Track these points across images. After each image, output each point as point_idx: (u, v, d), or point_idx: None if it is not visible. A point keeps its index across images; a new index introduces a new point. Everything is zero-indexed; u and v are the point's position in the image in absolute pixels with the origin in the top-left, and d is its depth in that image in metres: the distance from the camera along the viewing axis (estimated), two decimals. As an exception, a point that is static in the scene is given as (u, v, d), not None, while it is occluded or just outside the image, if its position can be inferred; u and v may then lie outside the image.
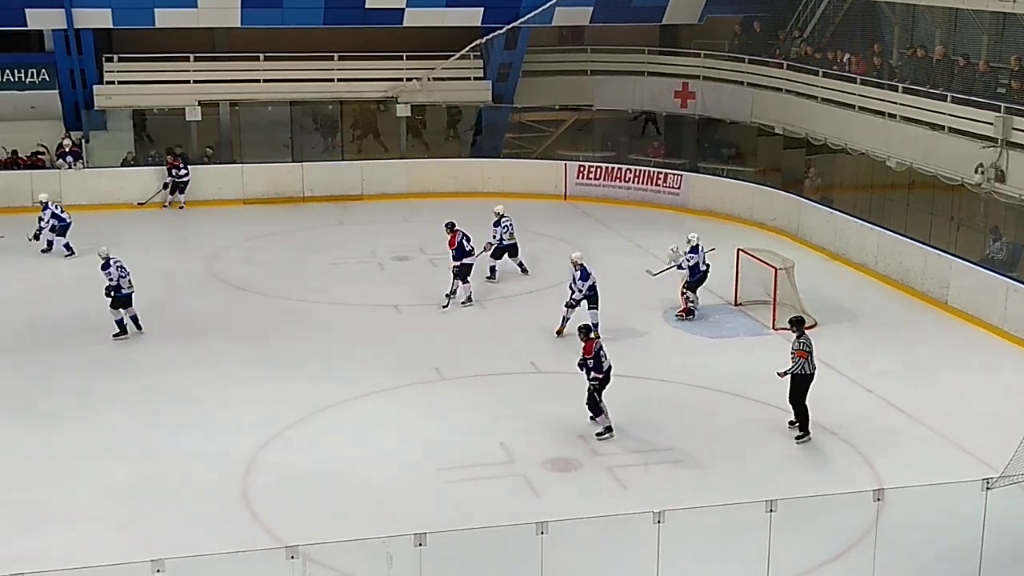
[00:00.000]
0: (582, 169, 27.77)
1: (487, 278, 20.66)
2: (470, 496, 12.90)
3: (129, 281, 17.81)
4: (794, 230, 23.98)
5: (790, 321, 14.89)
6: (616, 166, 27.74)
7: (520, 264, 21.18)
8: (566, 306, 17.92)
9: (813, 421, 14.68)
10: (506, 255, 20.90)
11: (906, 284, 20.51)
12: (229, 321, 18.74)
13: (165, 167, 26.10)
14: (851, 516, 12.05)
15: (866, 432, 14.58)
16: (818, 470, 13.66)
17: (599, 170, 27.68)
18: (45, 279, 21.02)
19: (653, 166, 27.76)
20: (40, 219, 22.22)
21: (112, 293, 17.68)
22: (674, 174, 26.97)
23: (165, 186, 25.93)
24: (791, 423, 14.58)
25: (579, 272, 17.84)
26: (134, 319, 17.93)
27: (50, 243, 22.35)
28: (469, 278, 19.46)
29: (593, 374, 14.36)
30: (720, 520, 11.27)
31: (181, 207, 25.96)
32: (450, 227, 19.62)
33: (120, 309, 17.75)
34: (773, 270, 18.63)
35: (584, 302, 17.78)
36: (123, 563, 9.80)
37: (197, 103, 27.38)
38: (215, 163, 27.48)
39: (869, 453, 14.04)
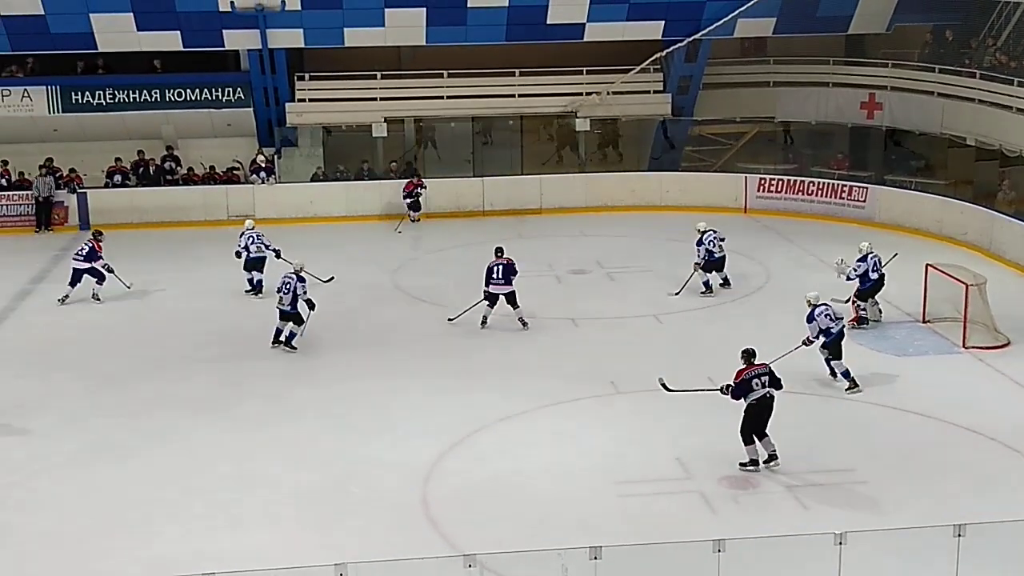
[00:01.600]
0: (763, 182, 27.36)
1: (701, 293, 20.50)
2: (646, 511, 12.86)
3: (280, 298, 18.12)
4: (986, 245, 23.08)
5: None
6: (799, 178, 27.23)
7: (724, 279, 20.80)
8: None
9: (1007, 444, 14.12)
10: (714, 270, 20.62)
11: (1108, 302, 19.51)
12: (411, 332, 19.16)
13: (406, 189, 26.44)
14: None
15: (1063, 457, 13.93)
16: (1009, 495, 13.08)
17: (781, 183, 27.23)
18: (233, 287, 21.84)
19: (837, 178, 27.14)
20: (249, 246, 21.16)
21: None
22: (859, 187, 26.31)
23: (413, 208, 26.44)
24: None
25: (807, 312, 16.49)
26: (289, 335, 18.23)
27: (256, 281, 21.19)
28: (488, 304, 18.92)
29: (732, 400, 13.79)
30: (905, 544, 10.93)
31: (415, 220, 26.55)
32: (497, 252, 19.29)
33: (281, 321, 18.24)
34: (964, 286, 17.96)
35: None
36: (307, 566, 10.13)
37: (383, 120, 28.13)
38: (399, 178, 28.17)
39: (1066, 479, 13.42)
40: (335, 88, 28.29)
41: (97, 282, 20.82)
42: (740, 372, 13.82)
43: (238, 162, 28.03)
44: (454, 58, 28.08)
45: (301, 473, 13.92)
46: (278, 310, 18.21)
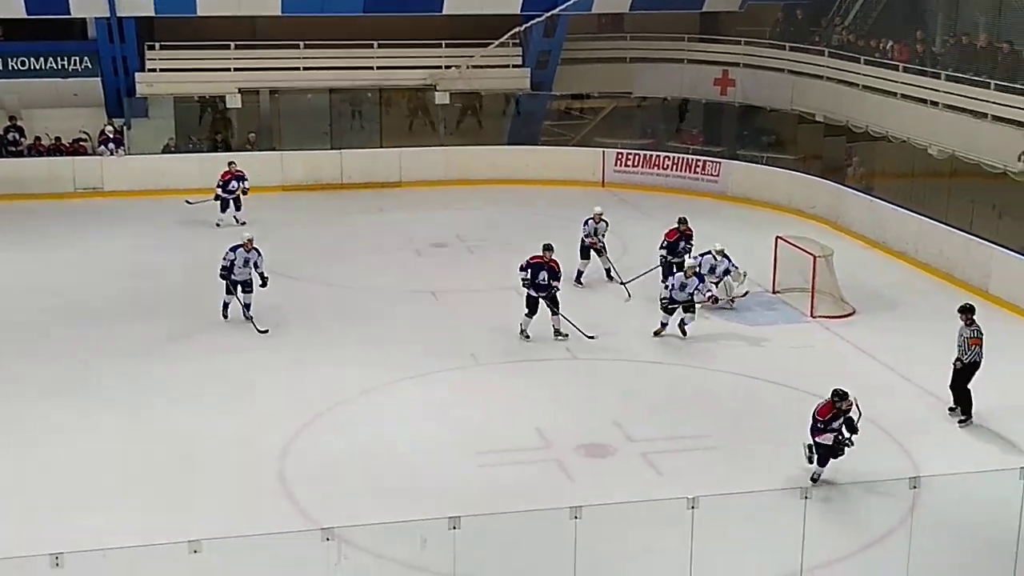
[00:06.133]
0: (620, 156, 27.70)
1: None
2: (505, 480, 12.93)
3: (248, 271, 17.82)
4: (834, 218, 23.82)
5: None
6: (655, 153, 27.65)
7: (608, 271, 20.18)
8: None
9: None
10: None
11: (947, 273, 20.33)
12: (268, 306, 18.84)
13: (220, 179, 23.43)
14: (887, 504, 12.01)
15: (904, 420, 14.47)
16: (854, 457, 13.50)
17: (637, 157, 27.61)
18: (81, 260, 21.23)
19: (692, 153, 27.65)
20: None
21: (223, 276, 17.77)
22: (713, 161, 26.86)
23: (216, 197, 23.38)
24: (951, 409, 14.63)
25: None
26: (246, 307, 17.87)
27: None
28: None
29: (816, 439, 12.70)
30: (754, 507, 11.24)
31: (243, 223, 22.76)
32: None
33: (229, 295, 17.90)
34: (812, 258, 18.52)
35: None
36: (160, 544, 9.90)
37: (237, 91, 27.57)
38: (255, 150, 27.68)
39: (906, 441, 13.94)
40: (187, 58, 27.60)
41: None
42: (823, 409, 12.76)
43: (85, 133, 27.12)
44: (311, 29, 27.64)
45: (151, 451, 13.59)
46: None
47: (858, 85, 25.13)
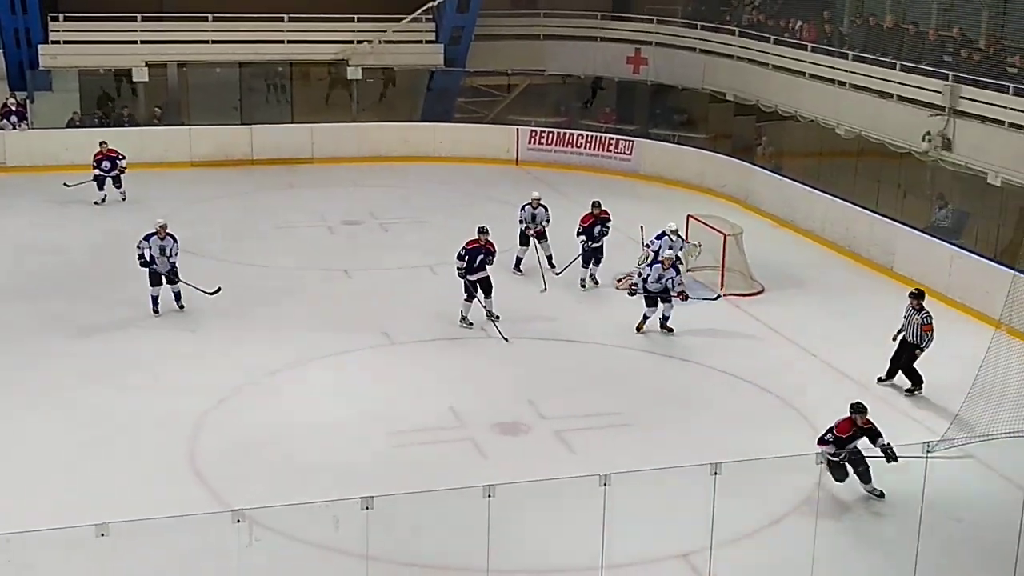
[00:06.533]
0: (534, 134, 27.72)
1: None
2: (418, 459, 12.92)
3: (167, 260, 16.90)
4: (744, 196, 24.11)
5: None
6: (568, 131, 27.73)
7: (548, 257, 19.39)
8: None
9: (760, 386, 14.89)
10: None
11: (852, 251, 20.72)
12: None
13: (94, 160, 22.80)
14: (795, 479, 12.22)
15: (811, 397, 14.73)
16: (763, 434, 13.77)
17: (551, 135, 27.65)
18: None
19: (605, 132, 27.76)
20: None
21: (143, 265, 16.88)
22: (626, 140, 26.99)
23: (95, 178, 22.81)
24: (880, 380, 15.06)
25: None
26: (176, 295, 17.13)
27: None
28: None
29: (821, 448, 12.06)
30: (665, 483, 11.36)
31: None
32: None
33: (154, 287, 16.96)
34: (722, 236, 18.73)
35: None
36: (66, 527, 9.69)
37: (144, 64, 27.02)
38: (163, 125, 27.16)
39: (813, 417, 14.16)
40: (92, 30, 26.98)
41: None
42: (842, 425, 12.15)
43: (-14, 106, 26.41)
44: (220, 1, 27.15)
45: (61, 431, 13.32)
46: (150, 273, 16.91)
47: (768, 65, 25.45)
